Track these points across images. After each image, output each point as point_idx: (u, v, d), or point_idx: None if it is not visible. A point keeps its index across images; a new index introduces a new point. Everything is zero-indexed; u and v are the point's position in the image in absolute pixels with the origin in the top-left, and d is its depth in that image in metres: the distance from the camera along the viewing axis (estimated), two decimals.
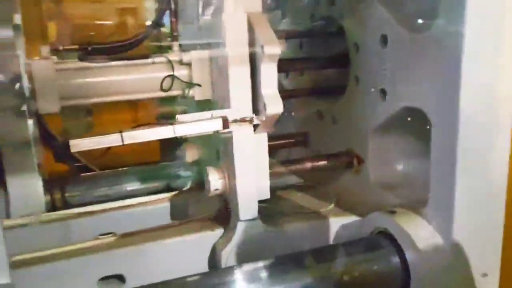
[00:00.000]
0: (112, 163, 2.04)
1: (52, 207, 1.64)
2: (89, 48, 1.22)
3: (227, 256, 1.21)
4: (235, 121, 1.13)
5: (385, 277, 1.10)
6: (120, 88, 1.23)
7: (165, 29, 1.50)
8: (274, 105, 1.13)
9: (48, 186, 1.65)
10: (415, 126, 1.17)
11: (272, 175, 1.31)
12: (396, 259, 1.09)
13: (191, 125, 1.09)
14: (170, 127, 1.06)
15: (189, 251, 1.25)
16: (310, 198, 1.45)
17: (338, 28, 1.38)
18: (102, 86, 1.21)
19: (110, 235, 1.42)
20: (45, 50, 1.22)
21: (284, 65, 1.49)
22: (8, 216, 1.52)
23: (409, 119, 1.18)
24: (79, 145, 1.00)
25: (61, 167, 2.01)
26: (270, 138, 1.51)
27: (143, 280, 1.17)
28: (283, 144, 1.63)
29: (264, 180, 1.23)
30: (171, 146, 1.95)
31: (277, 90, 1.14)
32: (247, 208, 1.21)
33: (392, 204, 1.20)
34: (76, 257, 1.17)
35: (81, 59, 1.21)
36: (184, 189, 1.64)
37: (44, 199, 1.60)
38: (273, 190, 1.33)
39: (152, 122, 1.22)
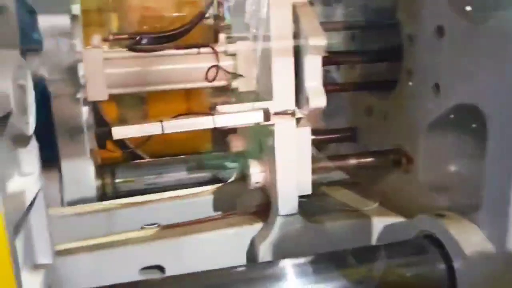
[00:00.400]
0: (163, 151, 2.10)
1: (103, 192, 1.70)
2: (137, 38, 1.24)
3: (265, 250, 1.19)
4: (276, 113, 1.10)
5: (429, 284, 1.04)
6: (166, 77, 1.24)
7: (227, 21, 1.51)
8: (317, 98, 1.09)
9: (100, 171, 1.71)
10: (470, 124, 1.09)
11: (316, 170, 1.28)
12: (442, 266, 1.02)
13: (231, 116, 1.08)
14: (209, 117, 1.06)
15: (228, 244, 1.24)
16: (354, 196, 1.40)
17: (392, 20, 1.31)
18: (148, 75, 1.23)
19: (155, 225, 1.45)
20: (96, 39, 1.25)
21: (334, 58, 1.45)
22: (62, 203, 1.59)
23: (463, 116, 1.10)
24: (120, 132, 1.02)
25: (115, 154, 2.09)
26: (317, 132, 1.48)
27: (182, 272, 1.18)
28: (330, 138, 1.58)
29: (305, 175, 1.19)
30: (223, 136, 1.96)
31: (321, 83, 1.10)
32: (286, 202, 1.18)
33: (441, 207, 1.13)
34: (118, 247, 1.20)
35: (129, 48, 1.23)
36: (229, 181, 1.63)
37: (96, 184, 1.67)
38: (316, 185, 1.30)
39: (205, 112, 1.21)
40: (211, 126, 1.06)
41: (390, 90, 1.34)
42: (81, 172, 1.61)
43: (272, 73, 1.10)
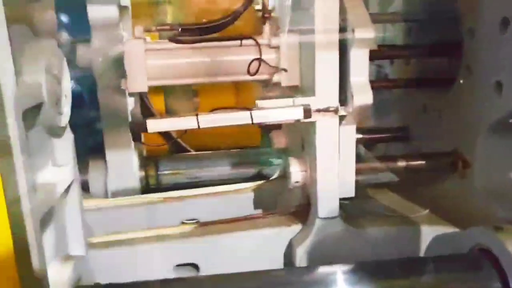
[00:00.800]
0: (210, 145, 2.08)
1: (146, 184, 1.70)
2: (180, 29, 1.21)
3: (302, 254, 1.13)
4: (318, 110, 1.04)
5: None
6: (206, 70, 1.20)
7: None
8: (362, 95, 1.01)
9: (144, 163, 1.72)
10: None
11: (362, 171, 1.20)
12: (497, 285, 0.92)
13: (270, 112, 1.02)
14: (247, 112, 1.01)
15: (265, 245, 1.20)
16: (403, 200, 1.31)
17: (451, 11, 1.20)
18: (188, 68, 1.20)
19: (194, 221, 1.43)
20: (138, 30, 1.23)
21: (386, 52, 1.37)
22: (107, 194, 1.61)
23: None
24: (155, 125, 1.00)
25: (163, 146, 2.09)
26: (366, 130, 1.40)
27: (216, 271, 1.15)
28: (380, 138, 1.49)
29: (348, 176, 1.12)
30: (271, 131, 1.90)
31: (368, 79, 1.02)
32: (327, 205, 1.12)
33: (499, 219, 1.03)
34: (154, 243, 1.18)
35: (171, 39, 1.21)
36: (272, 178, 1.58)
37: (139, 176, 1.68)
38: (362, 187, 1.22)
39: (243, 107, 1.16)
40: (248, 121, 1.02)
41: (447, 88, 1.23)
42: (125, 163, 1.61)
43: (315, 67, 1.03)
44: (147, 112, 1.93)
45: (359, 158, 1.16)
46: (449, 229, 1.14)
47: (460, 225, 1.12)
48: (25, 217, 0.72)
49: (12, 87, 0.68)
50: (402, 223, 1.19)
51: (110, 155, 1.59)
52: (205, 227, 1.26)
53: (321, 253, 1.13)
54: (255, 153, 1.94)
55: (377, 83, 1.40)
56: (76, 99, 1.85)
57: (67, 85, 0.93)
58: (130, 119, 1.60)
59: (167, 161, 1.76)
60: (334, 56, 1.03)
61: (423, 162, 1.23)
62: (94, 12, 1.47)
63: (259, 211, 1.47)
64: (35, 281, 0.74)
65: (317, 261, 1.13)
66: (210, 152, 1.91)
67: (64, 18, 1.92)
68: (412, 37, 1.46)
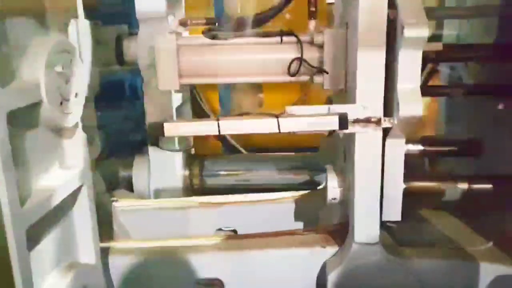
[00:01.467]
0: (263, 144, 1.99)
1: (190, 184, 1.64)
2: (216, 23, 1.12)
3: (334, 281, 1.00)
4: (357, 121, 0.89)
5: None
6: (242, 68, 1.10)
7: None
8: (409, 105, 0.85)
9: (189, 162, 1.65)
10: None
11: (418, 188, 1.04)
12: None
13: (300, 120, 0.90)
14: (273, 120, 0.90)
15: (296, 265, 1.08)
16: (463, 228, 1.12)
17: None
18: (223, 65, 1.10)
19: (230, 229, 1.35)
20: (173, 24, 1.15)
21: (458, 53, 1.18)
22: (149, 192, 1.57)
23: None
24: (173, 130, 0.91)
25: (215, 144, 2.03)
26: (430, 142, 1.23)
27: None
28: (445, 151, 1.29)
29: (394, 197, 0.96)
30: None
31: (418, 85, 0.86)
32: (364, 229, 0.97)
33: None
34: (178, 253, 1.11)
35: (205, 34, 1.11)
36: (319, 187, 1.45)
37: (183, 175, 1.61)
38: (414, 208, 1.06)
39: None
40: (275, 130, 0.90)
41: None
42: (168, 161, 1.56)
43: (357, 70, 0.89)
44: (199, 109, 1.88)
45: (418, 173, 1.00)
46: None
47: None
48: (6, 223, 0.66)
49: None
50: (458, 256, 1.01)
51: (153, 153, 1.54)
52: (234, 240, 1.17)
53: (356, 282, 0.99)
54: (307, 157, 1.79)
55: (443, 90, 1.22)
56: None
57: (79, 83, 0.87)
58: (174, 116, 1.53)
59: (213, 161, 1.67)
60: (379, 57, 0.87)
61: (489, 186, 1.03)
62: (141, 4, 1.41)
63: (300, 223, 1.35)
64: None
65: None
66: (261, 154, 1.80)
67: (127, 10, 1.91)
68: (490, 35, 1.25)
